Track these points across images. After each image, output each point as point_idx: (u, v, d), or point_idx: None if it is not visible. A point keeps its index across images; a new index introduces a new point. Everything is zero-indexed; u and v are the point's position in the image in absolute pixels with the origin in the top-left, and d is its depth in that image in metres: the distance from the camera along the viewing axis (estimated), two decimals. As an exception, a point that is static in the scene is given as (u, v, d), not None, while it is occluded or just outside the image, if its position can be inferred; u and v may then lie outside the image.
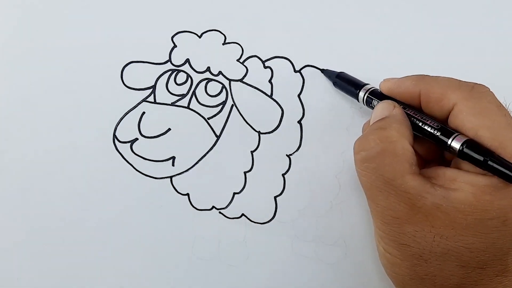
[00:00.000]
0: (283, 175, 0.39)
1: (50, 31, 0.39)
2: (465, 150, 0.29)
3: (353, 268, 0.38)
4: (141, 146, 0.38)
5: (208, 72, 0.39)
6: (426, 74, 0.33)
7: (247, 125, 0.39)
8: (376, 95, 0.35)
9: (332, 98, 0.39)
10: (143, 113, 0.39)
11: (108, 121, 0.38)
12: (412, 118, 0.32)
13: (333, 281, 0.38)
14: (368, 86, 0.36)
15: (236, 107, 0.39)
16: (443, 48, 0.40)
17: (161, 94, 0.39)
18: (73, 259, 0.38)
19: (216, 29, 0.39)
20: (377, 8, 0.40)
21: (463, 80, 0.31)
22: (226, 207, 0.39)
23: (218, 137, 0.39)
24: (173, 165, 0.38)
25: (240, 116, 0.39)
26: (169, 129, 0.39)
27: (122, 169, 0.38)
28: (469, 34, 0.40)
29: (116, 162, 0.38)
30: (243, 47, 0.39)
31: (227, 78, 0.39)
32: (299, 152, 0.39)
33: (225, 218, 0.38)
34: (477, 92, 0.30)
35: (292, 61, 0.39)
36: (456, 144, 0.29)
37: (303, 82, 0.39)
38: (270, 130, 0.39)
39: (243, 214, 0.39)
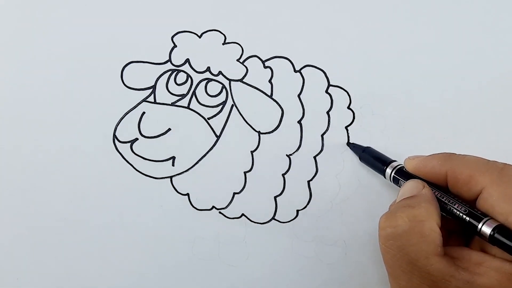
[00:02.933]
0: (283, 175, 0.39)
1: (50, 31, 0.39)
2: (496, 235, 0.28)
3: (353, 268, 0.38)
4: (141, 146, 0.38)
5: (208, 72, 0.39)
6: (452, 152, 0.32)
7: (247, 125, 0.39)
8: (403, 173, 0.34)
9: (332, 98, 0.39)
10: (143, 113, 0.39)
11: (108, 121, 0.38)
12: (440, 199, 0.32)
13: (333, 281, 0.38)
14: (395, 164, 0.36)
15: (236, 107, 0.39)
16: (443, 48, 0.40)
17: (161, 94, 0.39)
18: (73, 259, 0.38)
19: (216, 29, 0.39)
20: (377, 8, 0.40)
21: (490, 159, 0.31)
22: (226, 207, 0.39)
23: (218, 137, 0.39)
24: (173, 165, 0.38)
25: (240, 116, 0.39)
26: (169, 129, 0.39)
27: (122, 169, 0.38)
28: (469, 34, 0.40)
29: (116, 162, 0.38)
30: (243, 47, 0.39)
31: (227, 78, 0.39)
32: (299, 152, 0.39)
33: (225, 218, 0.38)
34: (507, 175, 0.30)
35: (292, 61, 0.39)
36: (487, 229, 0.29)
37: (303, 82, 0.39)
38: (270, 130, 0.39)
39: (243, 214, 0.39)
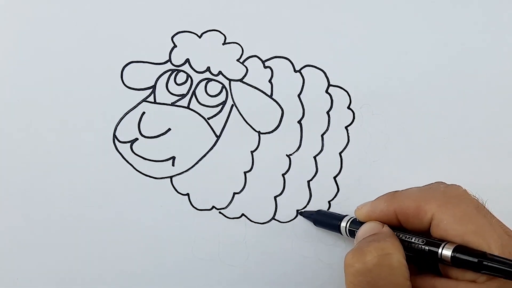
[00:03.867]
0: (283, 175, 0.39)
1: (50, 31, 0.39)
2: (457, 255, 0.28)
3: (353, 268, 0.38)
4: (141, 146, 0.38)
5: (208, 72, 0.39)
6: (395, 190, 0.33)
7: (247, 125, 0.39)
8: (357, 223, 0.34)
9: (332, 98, 0.39)
10: (143, 113, 0.39)
11: (108, 121, 0.38)
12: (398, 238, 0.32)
13: (333, 281, 0.38)
14: (348, 217, 0.36)
15: (236, 107, 0.39)
16: (443, 48, 0.40)
17: (161, 94, 0.39)
18: (73, 259, 0.38)
19: (216, 29, 0.39)
20: (377, 8, 0.40)
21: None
22: (226, 207, 0.39)
23: (218, 137, 0.39)
24: (173, 165, 0.38)
25: (240, 116, 0.39)
26: (169, 129, 0.39)
27: (122, 169, 0.38)
28: (469, 34, 0.40)
29: (116, 162, 0.38)
30: (243, 47, 0.39)
31: (227, 78, 0.39)
32: (299, 152, 0.39)
33: (225, 218, 0.39)
34: (451, 196, 0.30)
35: (292, 61, 0.39)
36: (447, 252, 0.29)
37: (303, 82, 0.39)
38: (270, 130, 0.39)
39: (243, 214, 0.39)
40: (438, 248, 0.29)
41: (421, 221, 0.31)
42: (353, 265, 0.29)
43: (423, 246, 0.30)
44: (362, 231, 0.33)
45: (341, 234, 0.36)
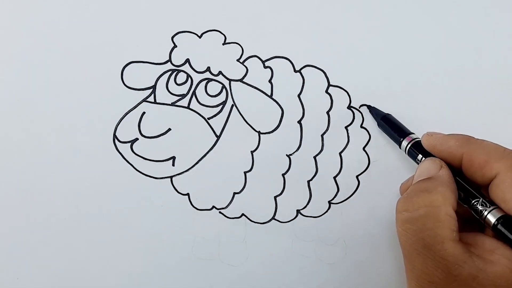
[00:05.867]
0: (283, 175, 0.39)
1: (50, 31, 0.39)
2: (499, 226, 0.29)
3: (353, 268, 0.38)
4: (141, 146, 0.38)
5: (208, 72, 0.39)
6: (470, 136, 0.32)
7: (247, 125, 0.39)
8: (419, 148, 0.35)
9: (332, 98, 0.39)
10: (143, 113, 0.39)
11: (108, 121, 0.38)
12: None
13: (333, 281, 0.38)
14: (413, 136, 0.36)
15: (236, 107, 0.39)
16: (443, 48, 0.40)
17: (161, 94, 0.39)
18: (73, 259, 0.38)
19: (216, 29, 0.39)
20: (377, 8, 0.40)
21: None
22: (226, 207, 0.39)
23: (218, 137, 0.39)
24: (173, 165, 0.38)
25: (240, 116, 0.39)
26: (169, 129, 0.39)
27: (122, 169, 0.38)
28: (469, 34, 0.40)
29: (116, 162, 0.38)
30: (243, 47, 0.39)
31: (227, 78, 0.39)
32: (299, 152, 0.39)
33: (225, 218, 0.39)
34: None
35: (292, 61, 0.39)
36: (491, 218, 0.29)
37: (303, 82, 0.39)
38: (270, 130, 0.39)
39: (243, 214, 0.39)
40: (486, 210, 0.30)
41: (484, 175, 0.31)
42: (401, 212, 0.30)
43: (473, 201, 0.30)
44: (420, 169, 0.33)
45: (400, 149, 0.36)
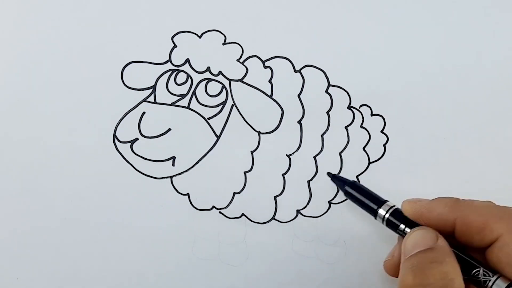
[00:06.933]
0: (283, 175, 0.39)
1: (50, 31, 0.39)
2: None
3: (353, 268, 0.38)
4: (141, 146, 0.38)
5: (208, 72, 0.39)
6: (456, 198, 0.31)
7: (247, 125, 0.39)
8: (400, 217, 0.32)
9: (332, 98, 0.39)
10: (143, 113, 0.39)
11: (108, 121, 0.38)
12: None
13: (333, 281, 0.38)
14: (389, 204, 0.33)
15: (236, 107, 0.39)
16: (443, 48, 0.40)
17: (161, 94, 0.39)
18: (73, 259, 0.38)
19: (216, 29, 0.39)
20: (377, 8, 0.40)
21: None
22: (226, 207, 0.39)
23: (218, 137, 0.39)
24: (173, 165, 0.38)
25: (240, 116, 0.39)
26: (169, 129, 0.39)
27: (122, 169, 0.38)
28: (469, 33, 0.40)
29: (116, 162, 0.38)
30: (243, 47, 0.39)
31: (227, 78, 0.39)
32: (299, 152, 0.39)
33: (225, 218, 0.38)
34: None
35: (292, 61, 0.39)
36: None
37: (303, 82, 0.39)
38: (270, 130, 0.39)
39: (243, 214, 0.39)
40: (489, 278, 0.28)
41: (483, 238, 0.29)
42: (414, 286, 0.28)
43: (478, 273, 0.29)
44: (413, 240, 0.30)
45: (375, 218, 0.33)
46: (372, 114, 0.39)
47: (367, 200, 0.34)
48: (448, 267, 0.28)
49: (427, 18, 0.40)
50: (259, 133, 0.39)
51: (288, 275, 0.38)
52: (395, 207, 0.33)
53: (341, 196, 0.39)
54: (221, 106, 0.39)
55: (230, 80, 0.39)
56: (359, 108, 0.39)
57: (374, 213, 0.33)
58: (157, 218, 0.38)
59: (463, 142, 0.39)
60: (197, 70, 0.39)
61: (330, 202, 0.39)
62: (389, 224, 0.32)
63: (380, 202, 0.33)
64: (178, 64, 0.39)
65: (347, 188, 0.35)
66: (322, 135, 0.39)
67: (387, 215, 0.32)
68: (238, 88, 0.39)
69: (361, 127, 0.39)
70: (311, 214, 0.39)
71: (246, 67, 0.39)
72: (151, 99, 0.39)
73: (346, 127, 0.39)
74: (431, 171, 0.39)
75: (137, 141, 0.38)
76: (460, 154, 0.39)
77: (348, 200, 0.38)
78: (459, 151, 0.39)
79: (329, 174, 0.37)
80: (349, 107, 0.39)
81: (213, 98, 0.39)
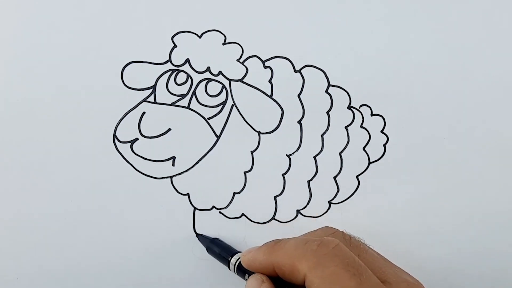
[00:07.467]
0: (283, 175, 0.39)
1: (50, 31, 0.39)
2: None
3: (353, 268, 0.38)
4: (141, 146, 0.38)
5: (208, 72, 0.39)
6: (276, 240, 0.32)
7: (247, 125, 0.39)
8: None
9: (332, 98, 0.39)
10: (143, 113, 0.39)
11: (108, 121, 0.38)
12: None
13: (333, 281, 0.38)
14: (239, 255, 0.35)
15: (236, 107, 0.39)
16: (443, 48, 0.40)
17: (161, 94, 0.39)
18: (73, 259, 0.38)
19: (216, 29, 0.39)
20: (377, 8, 0.40)
21: None
22: (226, 207, 0.39)
23: (218, 137, 0.39)
24: (173, 165, 0.38)
25: (240, 116, 0.39)
26: (169, 129, 0.39)
27: (122, 169, 0.38)
28: (469, 33, 0.40)
29: (116, 162, 0.38)
30: (243, 47, 0.39)
31: (227, 78, 0.39)
32: (299, 152, 0.39)
33: (225, 218, 0.39)
34: (322, 256, 0.29)
35: (292, 61, 0.39)
36: None
37: (303, 82, 0.39)
38: (270, 130, 0.39)
39: (243, 214, 0.39)
40: None
41: (296, 279, 0.30)
42: None
43: None
44: (246, 286, 0.32)
45: (229, 269, 0.35)
46: (372, 114, 0.39)
47: (222, 253, 0.36)
48: None
49: (427, 18, 0.40)
50: (259, 133, 0.39)
51: (288, 275, 0.38)
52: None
53: (341, 196, 0.39)
54: (221, 106, 0.39)
55: (230, 80, 0.39)
56: (359, 108, 0.39)
57: (228, 264, 0.35)
58: (157, 218, 0.38)
59: (463, 142, 0.39)
60: (197, 70, 0.39)
61: (330, 202, 0.39)
62: (239, 273, 0.34)
63: (232, 253, 0.36)
64: (178, 64, 0.39)
65: (209, 244, 0.37)
66: (322, 135, 0.39)
67: (235, 265, 0.35)
68: (238, 88, 0.39)
69: (361, 127, 0.39)
70: (311, 214, 0.39)
71: (246, 67, 0.39)
72: (151, 99, 0.39)
73: (346, 127, 0.39)
74: (431, 171, 0.39)
75: (137, 141, 0.38)
76: (460, 154, 0.39)
77: (348, 200, 0.38)
78: (459, 151, 0.39)
79: (196, 234, 0.38)
80: (349, 107, 0.39)
81: (213, 98, 0.39)
